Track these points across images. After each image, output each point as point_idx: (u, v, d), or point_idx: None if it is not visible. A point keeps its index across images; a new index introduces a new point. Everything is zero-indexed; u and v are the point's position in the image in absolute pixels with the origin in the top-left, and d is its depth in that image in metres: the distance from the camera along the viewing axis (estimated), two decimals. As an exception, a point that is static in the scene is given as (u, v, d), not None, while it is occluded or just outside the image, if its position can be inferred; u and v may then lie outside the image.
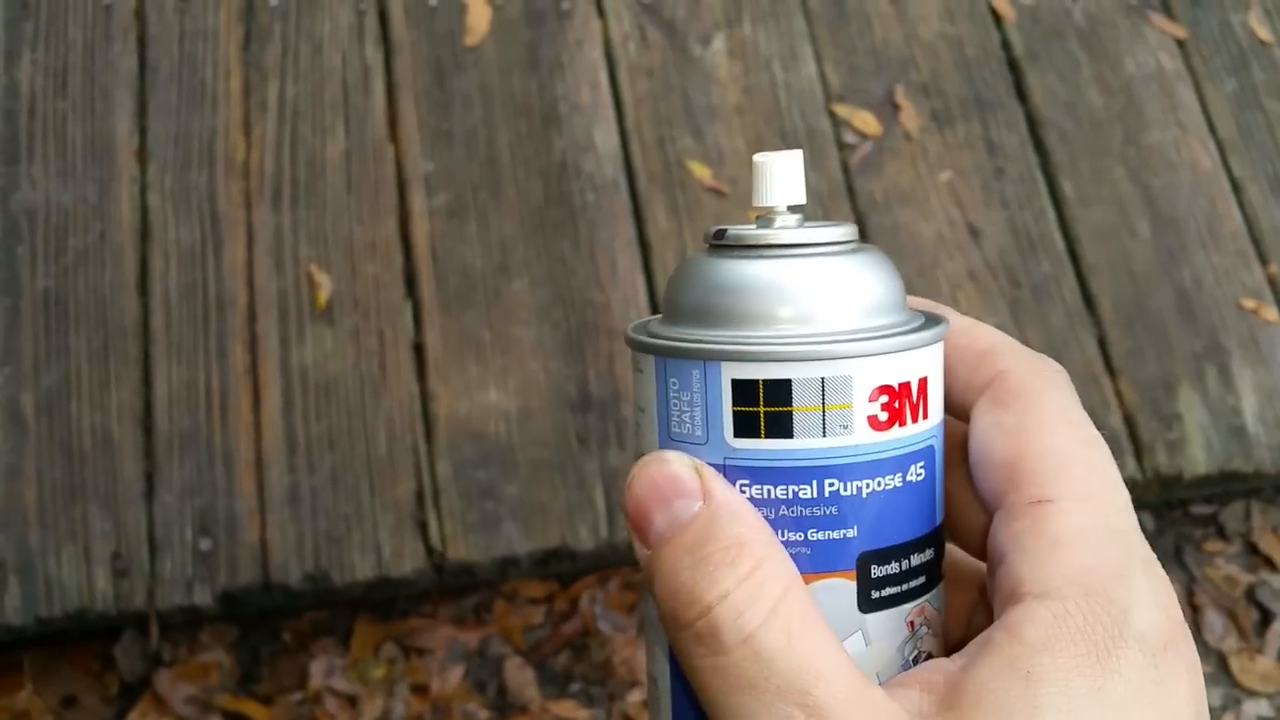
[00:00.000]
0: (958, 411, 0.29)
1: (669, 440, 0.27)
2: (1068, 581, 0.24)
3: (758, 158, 0.29)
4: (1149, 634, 0.24)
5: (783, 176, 0.29)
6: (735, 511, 0.25)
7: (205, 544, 0.93)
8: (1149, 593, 0.24)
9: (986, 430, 0.28)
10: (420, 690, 1.02)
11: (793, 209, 0.29)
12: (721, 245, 0.28)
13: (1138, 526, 0.26)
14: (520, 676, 1.04)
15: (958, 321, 0.30)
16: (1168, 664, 0.24)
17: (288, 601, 0.98)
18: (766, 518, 0.26)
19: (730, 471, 0.26)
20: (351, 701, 1.01)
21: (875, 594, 0.26)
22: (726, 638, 0.23)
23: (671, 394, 0.27)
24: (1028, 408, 0.27)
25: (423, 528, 0.96)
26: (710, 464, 0.26)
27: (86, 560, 0.92)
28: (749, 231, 0.28)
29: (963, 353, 0.29)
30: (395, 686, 1.02)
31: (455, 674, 1.03)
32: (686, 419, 0.27)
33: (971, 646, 0.25)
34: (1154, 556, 0.26)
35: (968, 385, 0.29)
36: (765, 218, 0.29)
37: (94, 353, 0.98)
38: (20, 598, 0.91)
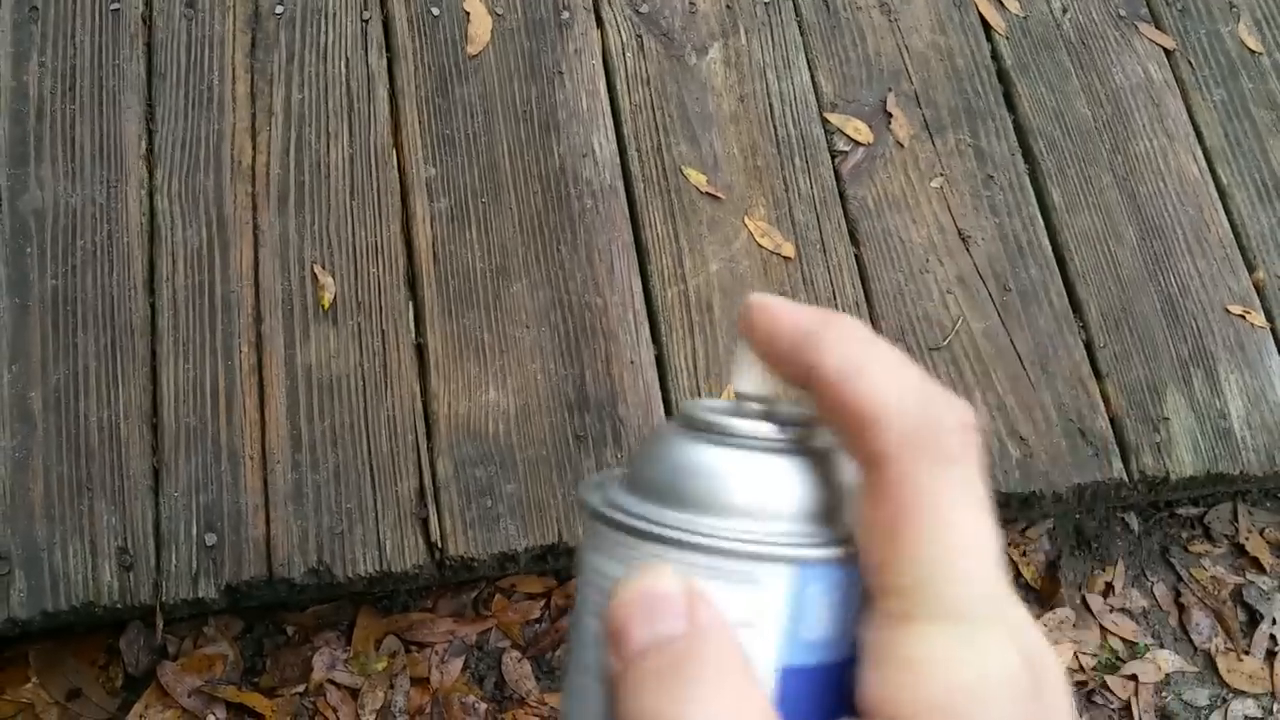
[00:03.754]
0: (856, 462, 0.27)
1: None
2: (924, 704, 0.23)
3: (742, 343, 0.28)
4: None
5: (750, 363, 0.28)
6: (719, 639, 0.24)
7: (210, 538, 0.95)
8: (1010, 712, 0.23)
9: (862, 525, 0.25)
10: (420, 683, 1.04)
11: (764, 403, 0.29)
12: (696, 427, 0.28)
13: (1005, 639, 0.24)
14: (518, 670, 1.06)
15: (838, 362, 0.26)
16: None
17: (291, 595, 1.00)
18: None
19: None
20: (353, 694, 1.02)
21: None
22: None
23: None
24: (900, 508, 0.24)
25: (423, 524, 0.98)
26: None
27: (93, 554, 0.94)
28: (686, 409, 0.28)
29: (842, 417, 0.25)
30: (396, 679, 1.04)
31: (455, 667, 1.05)
32: None
33: None
34: (1022, 675, 0.24)
35: (854, 457, 0.26)
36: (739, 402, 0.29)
37: (102, 351, 1.00)
38: (27, 591, 0.92)
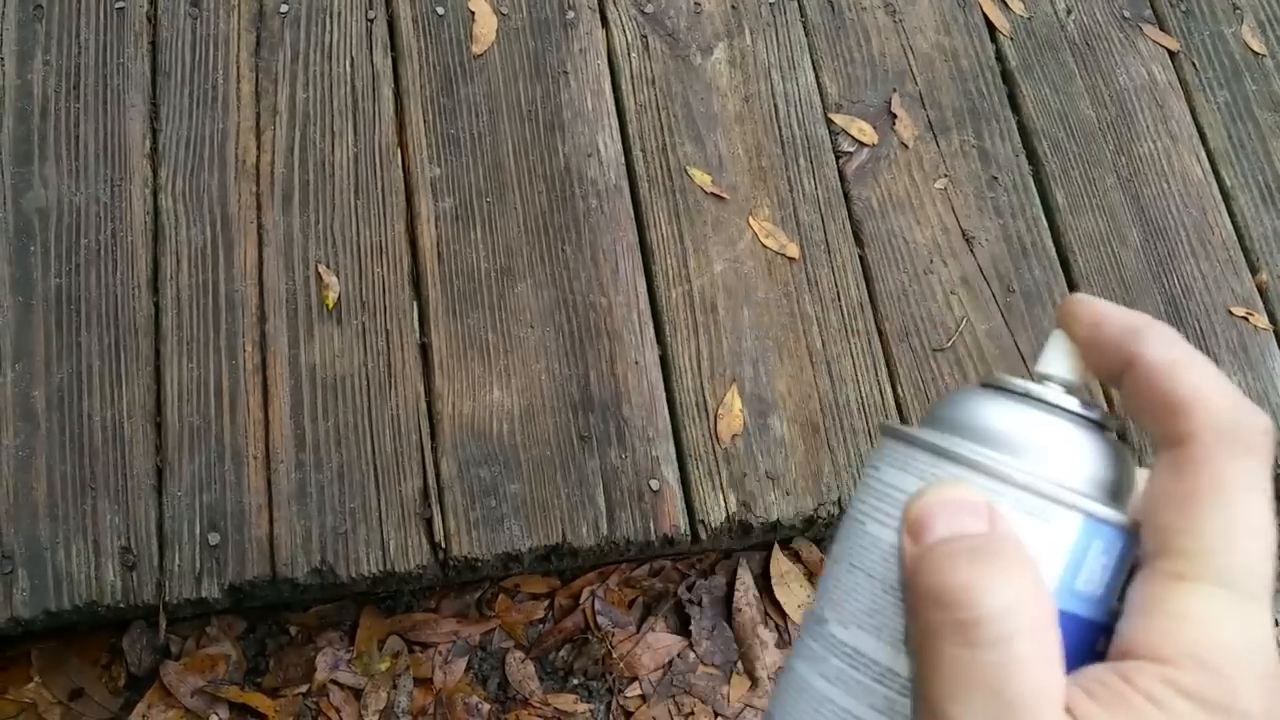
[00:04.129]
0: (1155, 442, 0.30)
1: None
2: (1183, 653, 0.25)
3: (1058, 332, 0.32)
4: (1254, 713, 0.25)
5: (1070, 354, 0.32)
6: (1016, 543, 0.27)
7: (214, 538, 0.95)
8: (1260, 677, 0.25)
9: (1155, 493, 0.28)
10: (423, 683, 1.04)
11: (1065, 384, 0.31)
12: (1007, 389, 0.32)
13: (1268, 618, 0.27)
14: (522, 670, 1.06)
15: (1163, 354, 0.28)
16: None
17: (294, 595, 0.99)
18: None
19: None
20: (356, 694, 1.02)
21: None
22: (986, 633, 0.25)
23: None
24: (1199, 483, 0.27)
25: (427, 524, 0.98)
26: None
27: (96, 553, 0.94)
28: (1004, 377, 0.32)
29: (1158, 401, 0.28)
30: (399, 679, 1.04)
31: (458, 667, 1.05)
32: None
33: (1094, 684, 0.26)
34: (1274, 645, 0.26)
35: (1157, 437, 0.28)
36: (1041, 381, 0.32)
37: (105, 350, 1.00)
38: (30, 590, 0.92)
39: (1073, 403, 0.31)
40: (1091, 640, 0.28)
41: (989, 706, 0.24)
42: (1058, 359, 0.32)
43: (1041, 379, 0.32)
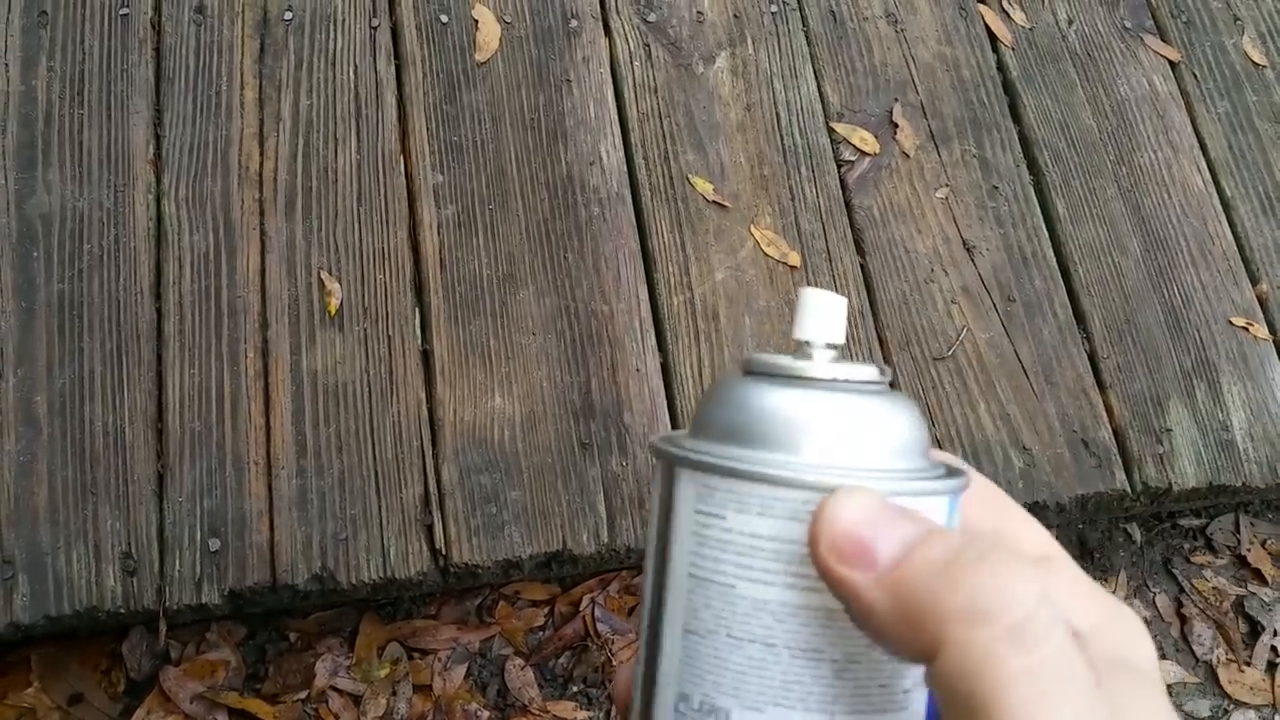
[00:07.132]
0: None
1: None
2: None
3: (806, 290, 0.30)
4: None
5: (827, 314, 0.29)
6: (956, 531, 0.25)
7: (214, 544, 0.95)
8: None
9: None
10: (423, 690, 1.04)
11: (830, 346, 0.29)
12: (757, 372, 0.29)
13: None
14: (521, 677, 1.06)
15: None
16: None
17: (294, 601, 1.00)
18: None
19: None
20: (355, 700, 1.02)
21: None
22: (1045, 632, 0.22)
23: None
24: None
25: (428, 530, 0.98)
26: None
27: (97, 559, 0.94)
28: (785, 361, 0.29)
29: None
30: (398, 686, 1.04)
31: (457, 674, 1.05)
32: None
33: None
34: None
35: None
36: (803, 350, 0.29)
37: (107, 355, 1.00)
38: (30, 595, 0.92)
39: (870, 372, 0.29)
40: None
41: (1093, 707, 0.22)
42: (816, 321, 0.29)
43: (801, 347, 0.29)
